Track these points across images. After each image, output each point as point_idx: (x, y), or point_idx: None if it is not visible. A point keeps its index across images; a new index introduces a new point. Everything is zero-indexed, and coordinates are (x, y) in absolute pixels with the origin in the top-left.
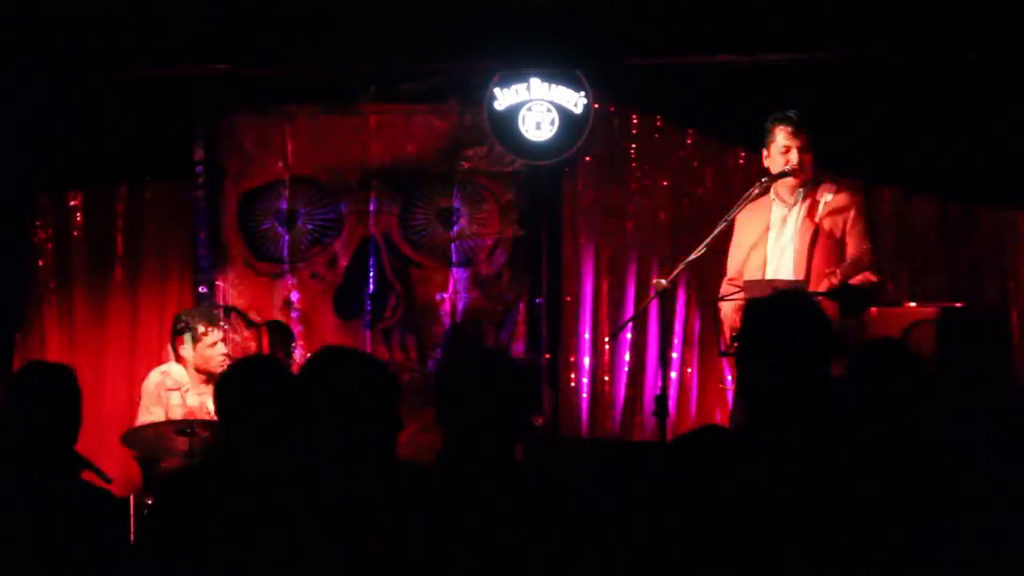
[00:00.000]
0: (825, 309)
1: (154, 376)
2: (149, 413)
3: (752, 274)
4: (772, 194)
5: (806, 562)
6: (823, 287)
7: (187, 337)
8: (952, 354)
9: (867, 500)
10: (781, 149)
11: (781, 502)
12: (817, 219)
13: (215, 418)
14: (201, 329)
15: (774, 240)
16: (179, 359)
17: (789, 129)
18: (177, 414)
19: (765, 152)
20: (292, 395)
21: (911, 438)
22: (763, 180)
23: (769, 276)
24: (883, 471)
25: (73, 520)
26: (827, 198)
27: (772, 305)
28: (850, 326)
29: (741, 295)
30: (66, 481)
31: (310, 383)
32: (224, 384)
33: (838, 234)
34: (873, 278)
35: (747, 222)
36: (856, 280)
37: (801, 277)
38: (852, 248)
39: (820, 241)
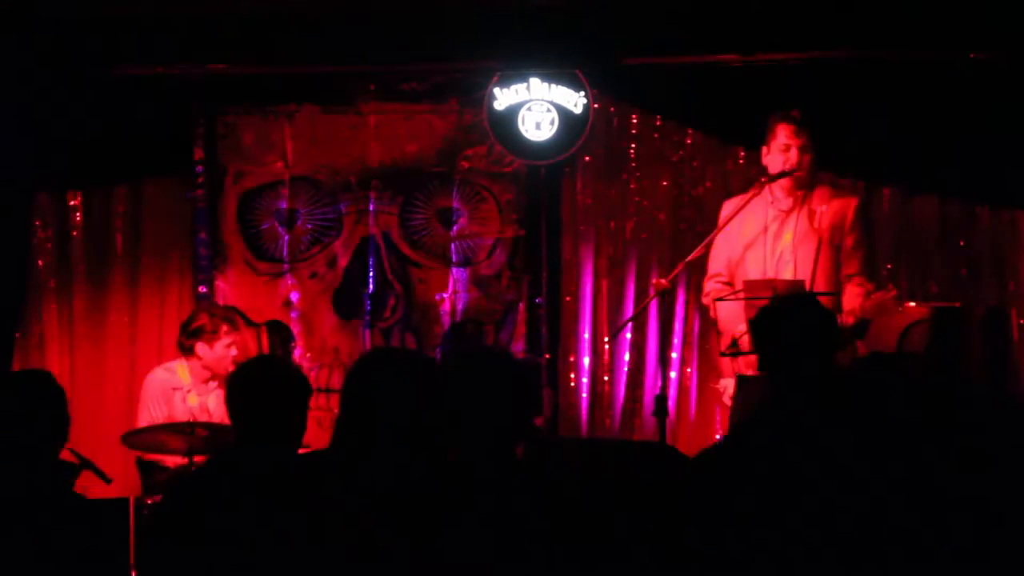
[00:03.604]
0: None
1: (159, 374)
2: (152, 411)
3: (747, 272)
4: (768, 194)
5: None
6: (845, 321)
7: (206, 336)
8: (945, 354)
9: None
10: (782, 148)
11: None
12: (815, 226)
13: (215, 419)
14: (225, 329)
15: (770, 242)
16: (189, 357)
17: (791, 128)
18: (179, 415)
19: (765, 150)
20: (301, 395)
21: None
22: (763, 179)
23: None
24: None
25: (62, 528)
26: (822, 208)
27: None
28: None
29: (738, 295)
30: (53, 489)
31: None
32: (234, 384)
33: (836, 240)
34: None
35: (741, 220)
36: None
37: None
38: (852, 256)
39: (823, 254)
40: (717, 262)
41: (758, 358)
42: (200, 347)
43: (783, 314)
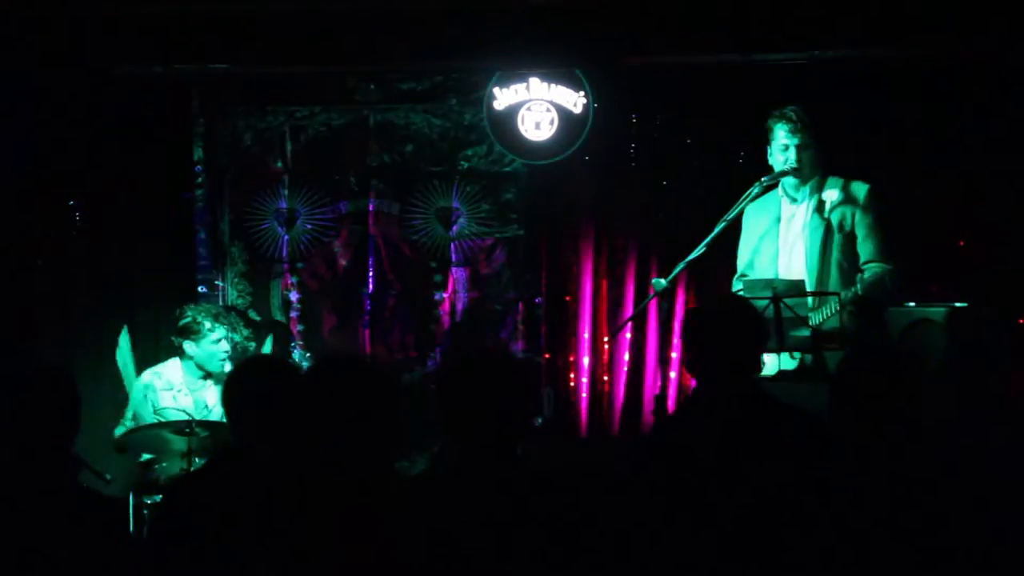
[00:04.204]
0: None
1: (144, 377)
2: (138, 416)
3: (762, 266)
4: (779, 189)
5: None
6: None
7: (191, 333)
8: (958, 354)
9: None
10: (780, 148)
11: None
12: (826, 215)
13: (209, 417)
14: (208, 325)
15: (784, 233)
16: (180, 354)
17: (787, 128)
18: (170, 415)
19: (768, 150)
20: (298, 395)
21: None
22: (763, 179)
23: (781, 269)
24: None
25: (69, 524)
26: (832, 198)
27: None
28: (866, 325)
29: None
30: (62, 484)
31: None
32: (231, 384)
33: (848, 228)
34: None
35: (755, 215)
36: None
37: (814, 275)
38: (866, 242)
39: (832, 238)
40: (742, 261)
41: (687, 358)
42: (188, 345)
43: (708, 317)
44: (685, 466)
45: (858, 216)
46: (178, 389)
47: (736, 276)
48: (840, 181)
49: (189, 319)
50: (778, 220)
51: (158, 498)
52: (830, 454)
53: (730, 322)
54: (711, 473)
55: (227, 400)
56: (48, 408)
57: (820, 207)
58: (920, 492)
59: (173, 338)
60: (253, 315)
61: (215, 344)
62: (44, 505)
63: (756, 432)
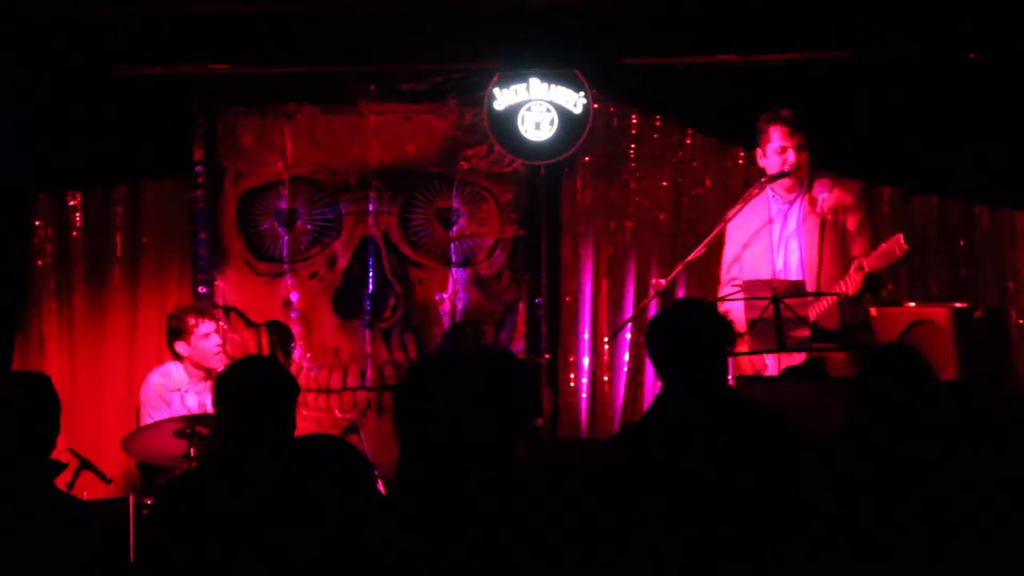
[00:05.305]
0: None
1: (154, 379)
2: (152, 417)
3: (754, 266)
4: (769, 190)
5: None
6: (853, 279)
7: (180, 334)
8: (965, 355)
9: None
10: (778, 149)
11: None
12: (818, 212)
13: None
14: (192, 322)
15: (777, 234)
16: (177, 358)
17: (786, 129)
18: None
19: (759, 152)
20: (290, 394)
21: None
22: (762, 181)
23: (776, 267)
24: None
25: (44, 529)
26: (824, 195)
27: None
28: (858, 323)
29: (737, 295)
30: (39, 490)
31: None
32: (222, 383)
33: (840, 222)
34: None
35: (744, 218)
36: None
37: (813, 271)
38: (858, 236)
39: (827, 235)
40: (729, 264)
41: (652, 362)
42: (179, 346)
43: (668, 322)
44: (650, 473)
45: (849, 211)
46: (185, 390)
47: (724, 282)
48: (828, 183)
49: (174, 320)
50: (769, 220)
51: None
52: (799, 459)
53: (692, 330)
54: (676, 481)
55: (216, 400)
56: (27, 413)
57: (812, 204)
58: (955, 502)
59: (168, 345)
60: (253, 316)
61: (204, 339)
62: (23, 511)
63: (722, 440)
